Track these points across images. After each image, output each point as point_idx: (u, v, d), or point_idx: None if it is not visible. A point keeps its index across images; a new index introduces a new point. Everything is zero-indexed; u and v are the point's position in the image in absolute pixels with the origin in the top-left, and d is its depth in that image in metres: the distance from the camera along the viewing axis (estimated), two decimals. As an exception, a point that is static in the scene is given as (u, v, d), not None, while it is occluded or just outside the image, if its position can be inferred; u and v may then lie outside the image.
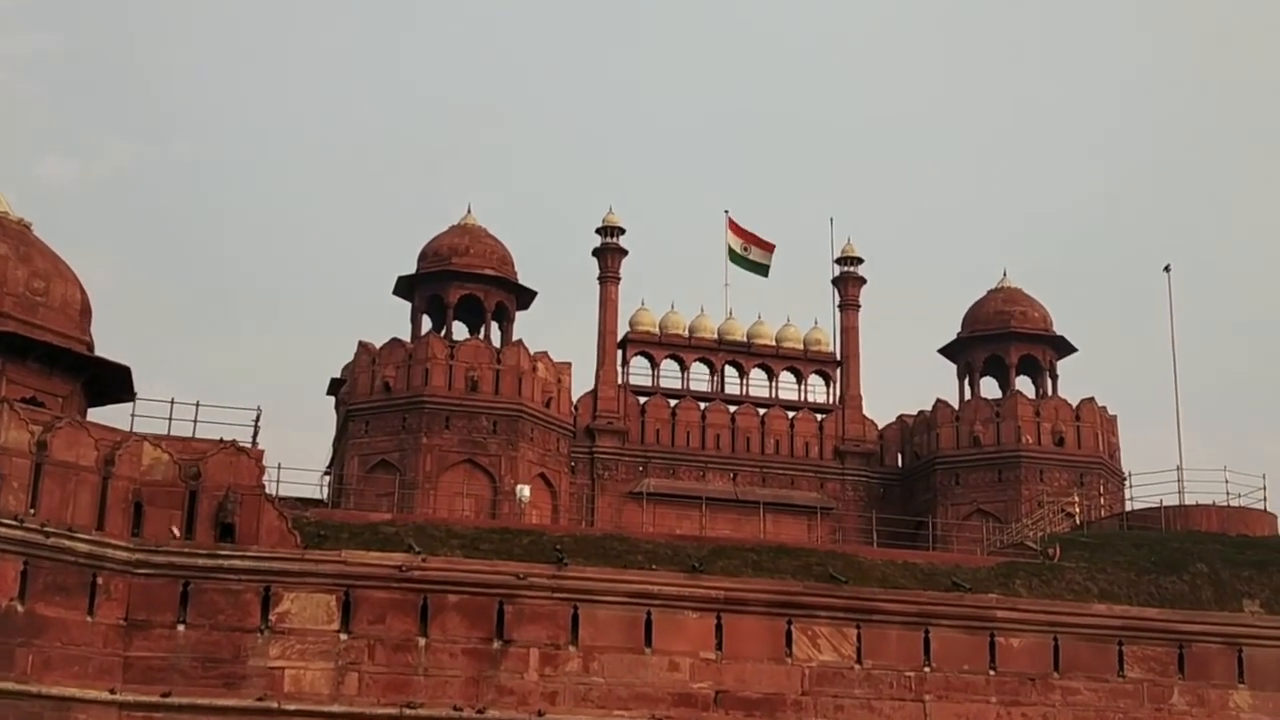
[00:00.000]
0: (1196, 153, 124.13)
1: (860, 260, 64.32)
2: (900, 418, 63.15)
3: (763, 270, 63.94)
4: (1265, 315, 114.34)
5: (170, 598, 33.64)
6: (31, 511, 32.23)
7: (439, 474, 53.37)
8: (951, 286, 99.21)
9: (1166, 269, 55.94)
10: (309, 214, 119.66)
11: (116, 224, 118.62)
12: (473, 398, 54.63)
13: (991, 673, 37.54)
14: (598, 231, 61.80)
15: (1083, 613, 38.60)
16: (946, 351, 63.54)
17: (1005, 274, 63.86)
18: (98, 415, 37.65)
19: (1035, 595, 38.84)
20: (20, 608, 31.69)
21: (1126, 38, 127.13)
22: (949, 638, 37.49)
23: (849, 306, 63.85)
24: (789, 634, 36.71)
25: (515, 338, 57.37)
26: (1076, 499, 53.37)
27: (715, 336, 63.10)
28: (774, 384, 63.19)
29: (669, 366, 62.39)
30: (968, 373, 62.57)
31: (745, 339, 63.38)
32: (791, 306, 68.81)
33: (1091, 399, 60.19)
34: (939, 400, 61.37)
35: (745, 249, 63.69)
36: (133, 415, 36.85)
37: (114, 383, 38.09)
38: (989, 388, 62.72)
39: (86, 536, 32.78)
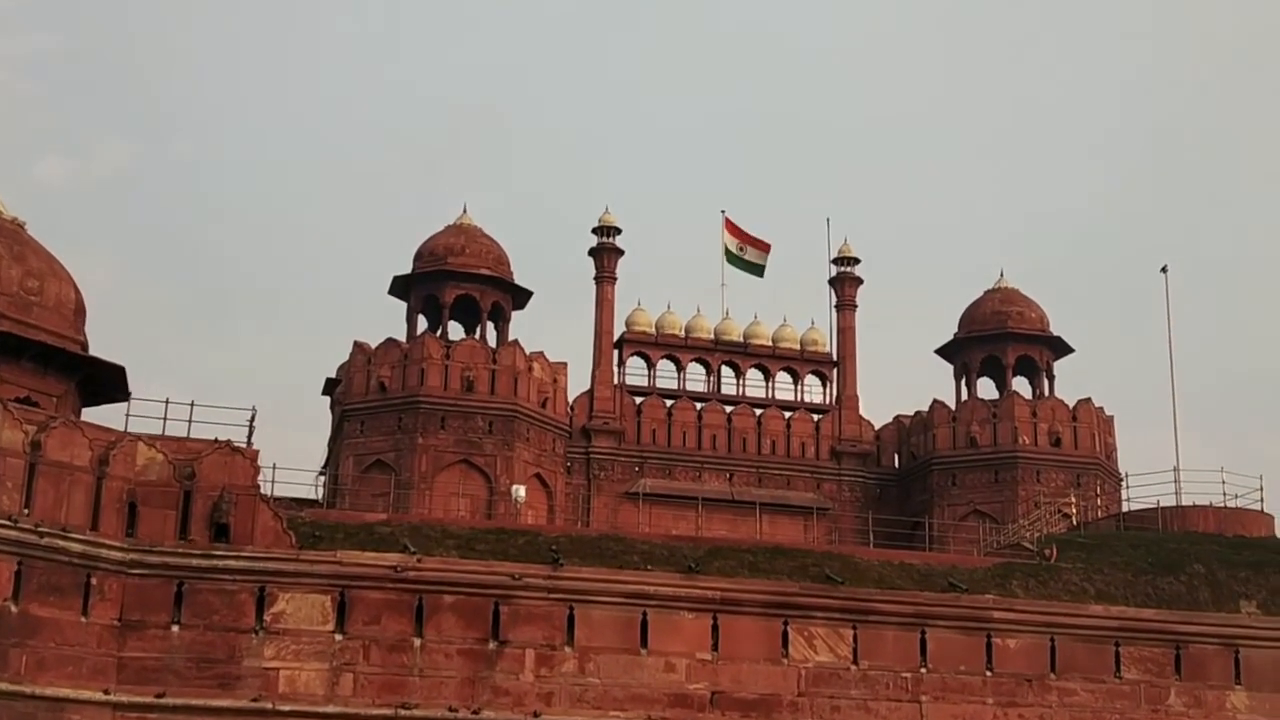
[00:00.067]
0: (1194, 153, 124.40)
1: (857, 260, 64.33)
2: (897, 418, 63.12)
3: (758, 271, 63.92)
4: (1263, 316, 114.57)
5: (164, 598, 33.52)
6: (25, 511, 32.11)
7: (434, 474, 53.30)
8: (948, 287, 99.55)
9: (1164, 269, 56.03)
10: (305, 214, 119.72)
11: (113, 224, 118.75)
12: (468, 398, 54.57)
13: (988, 673, 37.46)
14: (594, 231, 61.75)
15: (1079, 613, 38.53)
16: (943, 352, 63.51)
17: (1002, 274, 63.88)
18: (92, 415, 37.63)
19: (1032, 596, 38.77)
20: (14, 608, 31.55)
21: (1125, 38, 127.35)
22: (945, 638, 37.42)
23: (846, 307, 63.85)
24: (785, 635, 36.62)
25: (511, 338, 57.30)
26: (1073, 500, 53.33)
27: (711, 337, 63.07)
28: (770, 384, 63.16)
29: (665, 367, 62.38)
30: (964, 373, 62.53)
31: (742, 339, 63.34)
32: (788, 307, 68.79)
33: (1088, 400, 60.17)
34: (936, 401, 61.33)
35: (741, 249, 63.67)
36: (127, 415, 36.83)
37: (108, 382, 38.02)
38: (986, 388, 62.73)
39: (80, 536, 32.65)
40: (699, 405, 61.39)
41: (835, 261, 64.32)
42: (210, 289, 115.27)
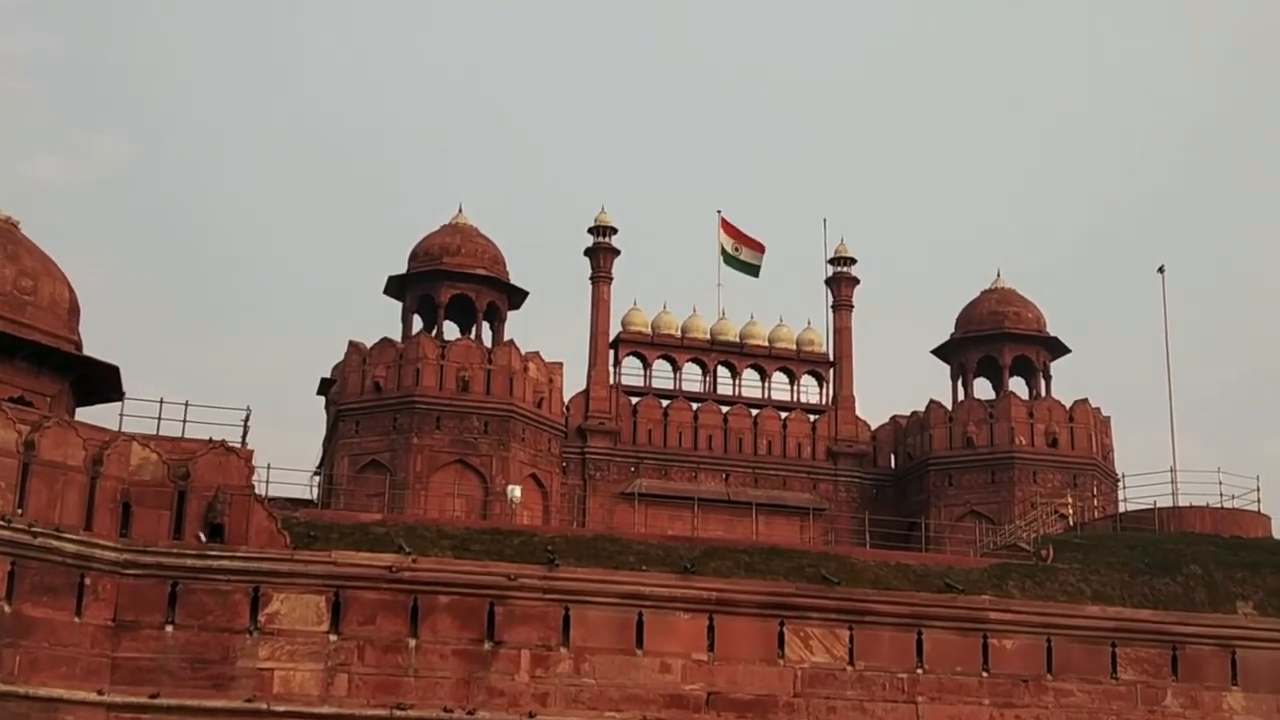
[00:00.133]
0: (1191, 154, 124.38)
1: (853, 260, 64.29)
2: (893, 418, 63.06)
3: (753, 271, 63.88)
4: (1261, 316, 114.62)
5: (158, 598, 33.41)
6: (19, 511, 31.99)
7: (430, 474, 53.22)
8: (945, 287, 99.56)
9: (1160, 270, 55.99)
10: (300, 213, 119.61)
11: (108, 223, 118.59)
12: (464, 398, 54.48)
13: (984, 674, 37.40)
14: (590, 231, 61.68)
15: (1076, 614, 38.48)
16: (940, 352, 63.46)
17: (999, 275, 63.82)
18: (86, 415, 37.50)
19: (1028, 597, 38.71)
20: (7, 608, 31.44)
21: (1124, 38, 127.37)
22: (942, 639, 37.36)
23: (842, 307, 63.80)
24: (781, 635, 36.56)
25: (507, 338, 57.21)
26: (1070, 500, 53.21)
27: (708, 337, 63.00)
28: (767, 384, 63.12)
29: (661, 367, 62.31)
30: (961, 373, 62.48)
31: (738, 339, 63.26)
32: (784, 307, 68.82)
33: (1085, 400, 60.14)
34: (932, 401, 61.28)
35: (737, 249, 63.64)
36: (121, 415, 36.76)
37: (103, 382, 37.93)
38: (982, 389, 62.68)
39: (74, 537, 32.54)
40: (695, 405, 61.32)
41: (832, 261, 64.30)
42: (205, 289, 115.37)
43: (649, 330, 62.52)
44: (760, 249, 63.87)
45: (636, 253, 71.67)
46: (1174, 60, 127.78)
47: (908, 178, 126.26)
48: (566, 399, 58.60)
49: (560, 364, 57.82)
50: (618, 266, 61.51)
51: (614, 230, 61.64)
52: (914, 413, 62.01)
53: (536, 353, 56.53)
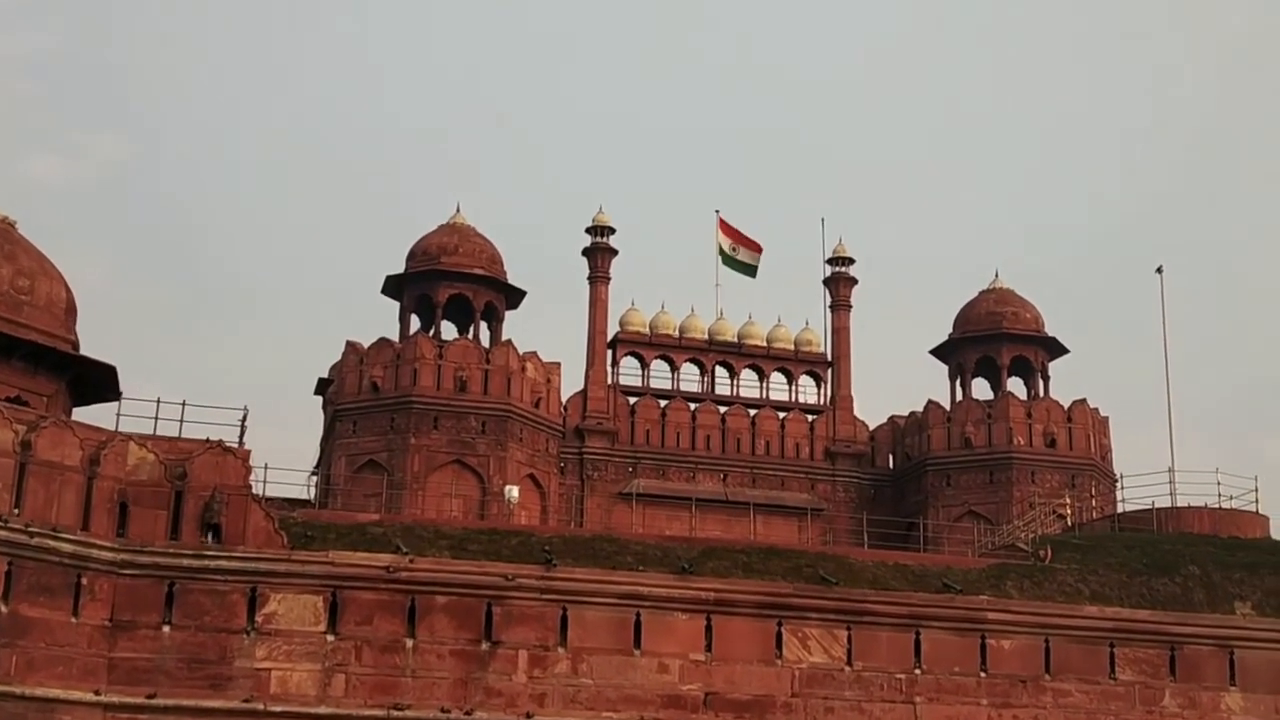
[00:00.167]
0: (1190, 154, 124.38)
1: (852, 260, 64.24)
2: (891, 419, 63.00)
3: (750, 271, 63.79)
4: (1260, 317, 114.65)
5: (155, 598, 33.39)
6: (16, 511, 31.99)
7: (427, 474, 53.14)
8: (943, 287, 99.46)
9: (1159, 270, 55.95)
10: (297, 213, 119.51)
11: (105, 223, 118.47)
12: (461, 398, 54.41)
13: (982, 675, 37.40)
14: (588, 231, 61.61)
15: (1074, 614, 38.48)
16: (938, 352, 63.40)
17: (997, 275, 63.75)
18: (83, 415, 37.46)
19: (1026, 597, 38.71)
20: (4, 608, 31.45)
21: (1123, 38, 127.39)
22: (940, 639, 37.35)
23: (840, 307, 63.74)
24: (779, 636, 36.55)
25: (504, 337, 57.14)
26: (1068, 501, 53.15)
27: (706, 337, 62.92)
28: (765, 385, 63.05)
29: (659, 367, 62.24)
30: (959, 374, 62.44)
31: (736, 339, 63.18)
32: (782, 307, 68.71)
33: (1083, 400, 60.09)
34: (930, 401, 61.23)
35: (734, 249, 63.54)
36: (118, 415, 36.73)
37: (99, 382, 37.89)
38: (980, 389, 62.61)
39: (71, 537, 32.53)
40: (693, 405, 61.25)
41: (830, 261, 64.23)
42: (202, 288, 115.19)
43: (647, 330, 62.46)
44: (757, 249, 63.79)
45: (634, 253, 71.64)
46: (1174, 60, 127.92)
47: (906, 177, 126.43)
48: (564, 399, 58.53)
49: (558, 364, 57.77)
50: (616, 266, 61.49)
51: (612, 230, 61.58)
52: (912, 413, 61.95)
53: (534, 353, 56.46)
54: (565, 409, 58.55)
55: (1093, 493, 57.19)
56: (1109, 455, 60.73)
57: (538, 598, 35.41)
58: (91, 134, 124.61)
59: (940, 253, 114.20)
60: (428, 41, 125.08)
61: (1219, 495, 45.71)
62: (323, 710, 33.56)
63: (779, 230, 66.72)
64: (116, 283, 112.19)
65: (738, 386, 62.82)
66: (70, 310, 38.13)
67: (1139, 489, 54.26)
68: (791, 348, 63.44)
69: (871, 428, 62.78)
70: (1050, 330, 62.28)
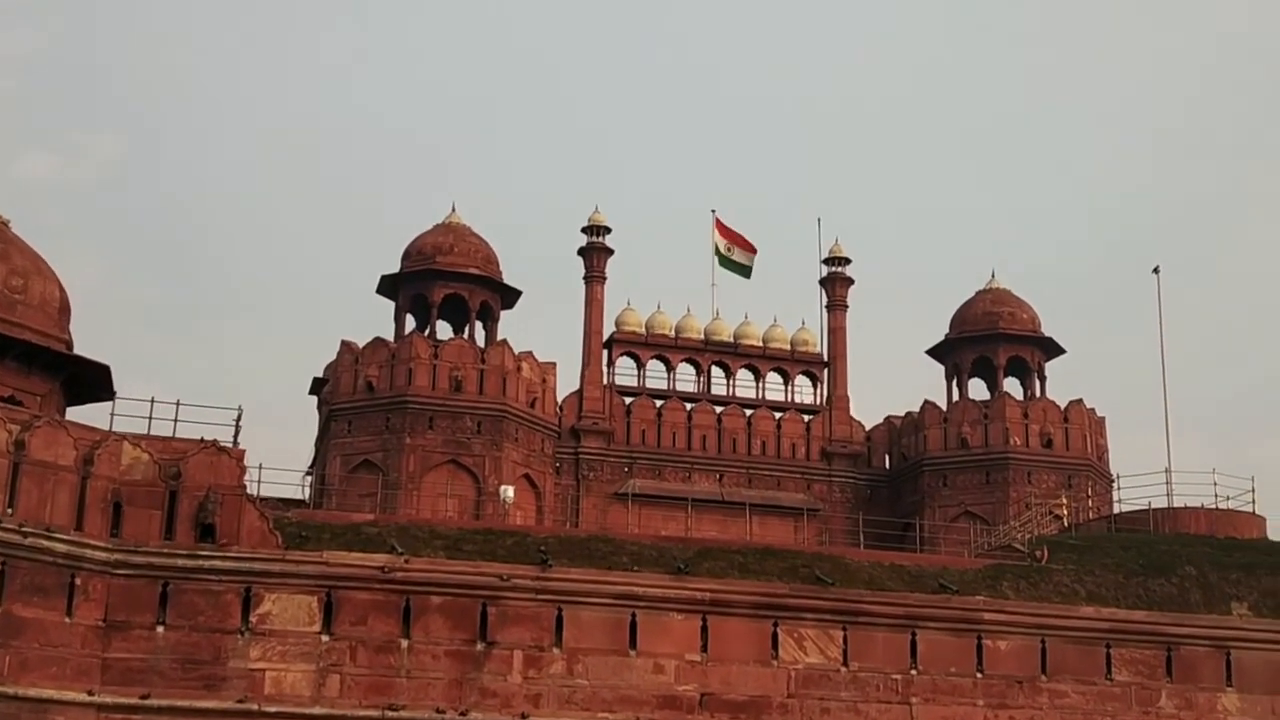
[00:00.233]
0: (1188, 154, 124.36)
1: (848, 260, 64.20)
2: (888, 419, 62.98)
3: (745, 271, 63.77)
4: (1257, 317, 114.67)
5: (150, 599, 33.29)
6: (9, 511, 31.88)
7: (422, 474, 53.09)
8: (940, 287, 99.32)
9: (1155, 270, 55.93)
10: (292, 212, 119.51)
11: (100, 223, 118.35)
12: (457, 398, 54.36)
13: (979, 675, 37.35)
14: (583, 231, 61.56)
15: (1070, 615, 38.44)
16: (934, 352, 63.39)
17: (994, 275, 63.79)
18: (77, 414, 37.40)
19: (1023, 597, 38.65)
20: (-3, 608, 31.36)
21: (1122, 37, 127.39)
22: (936, 640, 37.29)
23: (836, 307, 63.71)
24: (775, 636, 36.47)
25: (500, 337, 57.11)
26: (1064, 501, 53.15)
27: (701, 337, 62.90)
28: (760, 385, 63.03)
29: (655, 367, 62.22)
30: (956, 374, 62.43)
31: (732, 339, 63.17)
32: (778, 307, 68.84)
33: (1080, 401, 60.07)
34: (927, 401, 61.21)
35: (729, 249, 63.50)
36: (112, 414, 36.51)
37: (93, 382, 37.81)
38: (977, 389, 62.63)
39: (65, 537, 32.41)
40: (689, 406, 61.21)
41: (826, 261, 64.18)
42: (197, 288, 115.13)
43: (643, 330, 62.42)
44: (752, 250, 63.74)
45: (630, 252, 71.65)
46: (1174, 60, 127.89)
47: (903, 177, 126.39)
48: (560, 399, 58.47)
49: (554, 364, 57.71)
50: (611, 266, 61.45)
51: (608, 230, 61.53)
52: (908, 413, 61.93)
53: (530, 353, 56.41)
54: (561, 409, 58.49)
55: (1089, 493, 57.15)
56: (1105, 455, 60.72)
57: (533, 598, 35.33)
58: (86, 134, 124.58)
59: (937, 253, 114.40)
60: (424, 41, 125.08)
61: (1215, 496, 45.74)
62: (317, 711, 33.44)
63: (775, 230, 67.02)
64: (111, 282, 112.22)
65: (734, 387, 62.82)
66: (64, 310, 38.04)
67: (1135, 489, 53.96)
68: (788, 348, 63.41)
69: (868, 428, 62.76)
70: (1047, 330, 62.31)
